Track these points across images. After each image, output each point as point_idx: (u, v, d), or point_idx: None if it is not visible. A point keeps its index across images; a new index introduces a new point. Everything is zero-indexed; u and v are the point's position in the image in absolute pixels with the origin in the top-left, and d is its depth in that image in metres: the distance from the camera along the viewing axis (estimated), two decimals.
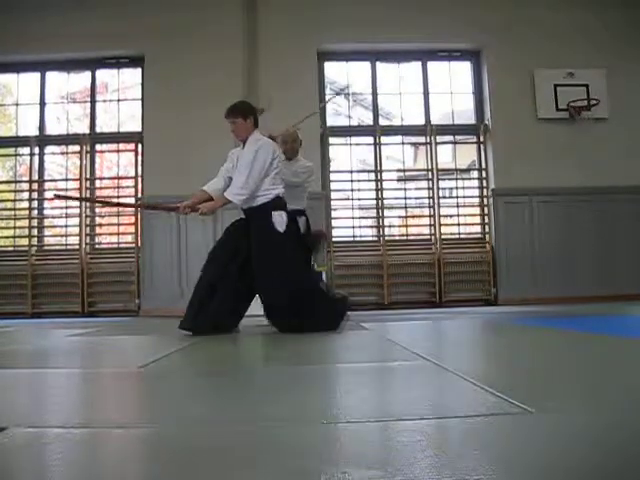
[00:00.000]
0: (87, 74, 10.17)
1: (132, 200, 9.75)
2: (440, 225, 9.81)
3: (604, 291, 9.13)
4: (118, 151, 10.30)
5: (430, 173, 9.96)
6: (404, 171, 10.62)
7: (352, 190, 10.02)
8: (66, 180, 10.15)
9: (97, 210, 10.08)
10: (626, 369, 2.51)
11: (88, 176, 9.83)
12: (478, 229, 10.16)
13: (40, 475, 1.22)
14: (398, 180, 10.44)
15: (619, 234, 9.52)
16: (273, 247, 4.89)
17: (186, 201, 5.18)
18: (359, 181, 10.11)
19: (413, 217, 10.52)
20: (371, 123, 10.28)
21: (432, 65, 10.28)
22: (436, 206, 9.83)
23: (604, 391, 1.99)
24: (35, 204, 9.86)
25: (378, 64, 10.26)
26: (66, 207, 9.91)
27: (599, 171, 9.43)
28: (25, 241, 9.71)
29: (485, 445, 1.37)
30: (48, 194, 10.08)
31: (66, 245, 9.91)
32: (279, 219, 4.95)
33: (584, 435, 1.43)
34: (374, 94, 10.23)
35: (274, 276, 4.79)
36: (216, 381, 2.57)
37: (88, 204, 9.78)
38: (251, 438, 1.46)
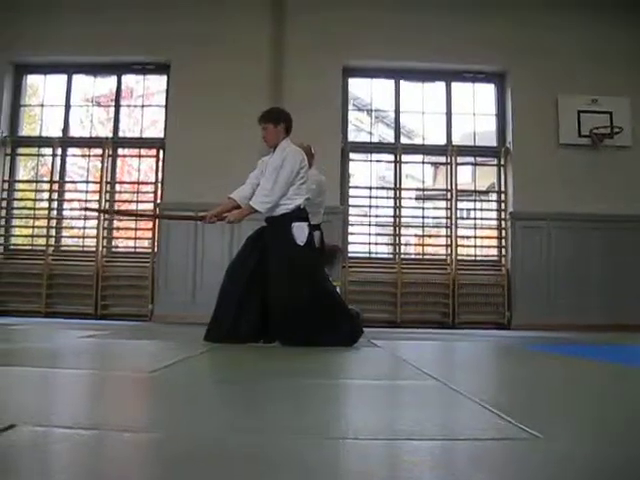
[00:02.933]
0: (113, 78, 10.27)
1: (151, 206, 9.82)
2: (457, 246, 9.79)
3: (619, 320, 9.04)
4: (139, 156, 10.37)
5: (449, 193, 9.95)
6: (423, 190, 10.63)
7: (370, 206, 10.02)
8: (87, 183, 10.23)
9: None
10: (637, 399, 2.48)
11: (109, 180, 9.89)
12: (494, 252, 10.12)
13: (45, 474, 1.22)
14: (416, 199, 10.45)
15: (637, 264, 9.44)
16: (292, 261, 4.82)
17: (212, 210, 5.17)
18: (377, 198, 10.12)
19: (430, 236, 10.50)
20: (392, 141, 10.30)
21: (456, 86, 10.29)
22: (453, 227, 9.81)
23: (615, 421, 1.97)
24: (55, 205, 9.93)
25: (402, 82, 10.27)
26: (85, 209, 9.96)
27: (619, 199, 9.38)
28: (43, 241, 9.79)
29: (493, 469, 1.36)
30: (68, 196, 10.18)
31: (83, 247, 9.98)
32: (299, 231, 4.88)
33: (592, 464, 1.42)
34: (397, 112, 10.23)
35: (292, 290, 4.73)
36: (226, 390, 2.57)
37: (107, 207, 9.83)
38: (258, 449, 1.46)
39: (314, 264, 5.01)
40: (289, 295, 4.73)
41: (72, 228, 10.45)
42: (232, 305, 4.83)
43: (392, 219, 9.99)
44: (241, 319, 4.78)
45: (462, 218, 10.23)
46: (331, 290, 5.09)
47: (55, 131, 10.16)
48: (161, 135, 9.95)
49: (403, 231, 10.04)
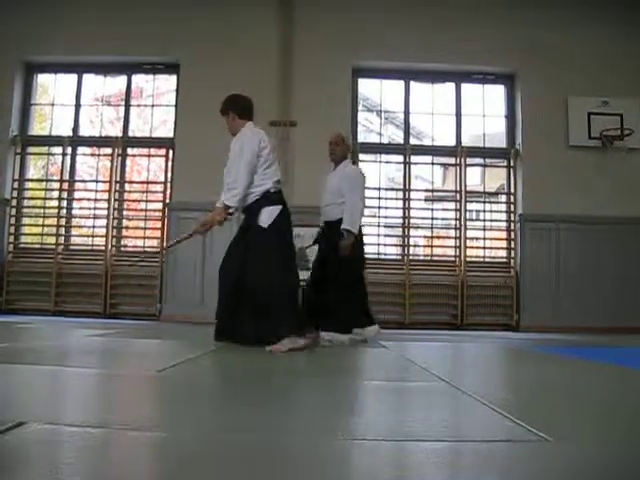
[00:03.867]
0: (123, 78, 10.29)
1: (160, 205, 9.84)
2: (465, 247, 9.76)
3: (628, 323, 9.01)
4: (149, 156, 10.39)
5: (458, 195, 9.92)
6: (432, 191, 10.59)
7: (379, 207, 9.99)
8: (96, 182, 10.25)
9: (124, 213, 10.16)
10: None
11: (118, 179, 9.92)
12: (503, 253, 10.09)
13: (54, 471, 1.23)
14: (425, 200, 10.42)
15: None
16: (256, 246, 4.66)
17: (200, 221, 5.13)
18: (386, 199, 10.09)
19: (439, 238, 10.47)
20: (402, 142, 10.28)
21: (466, 87, 10.27)
22: (462, 228, 9.78)
23: (623, 423, 1.96)
24: (64, 204, 9.96)
25: (412, 83, 10.25)
26: (94, 208, 10.00)
27: (630, 201, 9.34)
28: (52, 240, 9.81)
29: (501, 471, 1.36)
30: (78, 195, 10.21)
31: (92, 246, 9.99)
32: (265, 215, 4.69)
33: (600, 467, 1.41)
34: (406, 113, 10.22)
35: (254, 277, 4.59)
36: (233, 389, 2.57)
37: (116, 206, 9.85)
38: (265, 448, 1.46)
39: (271, 249, 4.65)
40: (254, 284, 4.59)
41: (81, 227, 10.47)
42: (223, 303, 4.79)
43: (401, 220, 9.96)
44: (235, 317, 4.67)
45: (471, 219, 10.20)
46: (278, 281, 4.60)
47: (65, 130, 10.18)
48: (170, 135, 9.96)
49: (412, 232, 10.00)
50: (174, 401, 2.25)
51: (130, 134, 10.20)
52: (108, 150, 10.03)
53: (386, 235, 10.17)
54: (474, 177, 10.53)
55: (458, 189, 9.93)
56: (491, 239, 10.20)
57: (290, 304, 4.59)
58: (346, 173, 6.05)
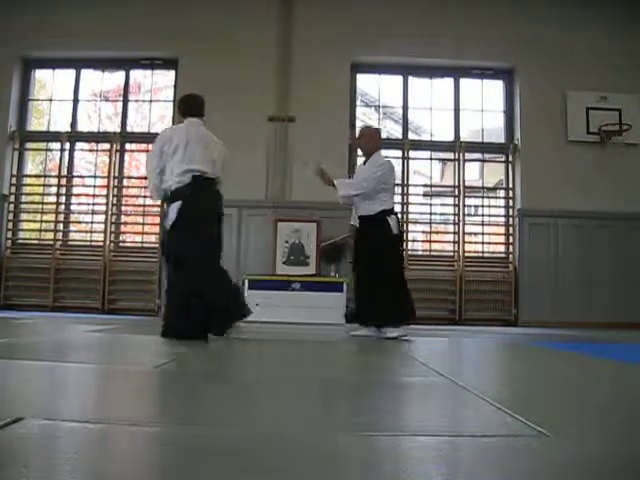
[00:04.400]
0: (121, 73, 10.27)
1: (157, 201, 9.83)
2: (464, 242, 9.77)
3: (626, 318, 9.03)
4: (147, 151, 10.36)
5: (457, 190, 9.92)
6: (431, 186, 10.59)
7: None
8: (94, 177, 10.24)
9: (123, 208, 10.15)
10: None
11: (116, 174, 9.91)
12: (502, 249, 10.09)
13: (52, 466, 1.22)
14: (424, 195, 10.41)
15: None
16: (162, 246, 4.82)
17: None
18: None
19: (437, 233, 10.47)
20: (400, 137, 10.27)
21: (464, 82, 10.26)
22: (461, 223, 9.79)
23: (621, 419, 1.96)
24: (63, 199, 9.95)
25: (410, 78, 10.25)
26: (92, 204, 10.00)
27: (628, 197, 9.34)
28: (50, 235, 9.82)
29: (500, 466, 1.36)
30: (76, 190, 10.21)
31: (90, 241, 10.00)
32: (169, 214, 4.68)
33: (599, 461, 1.41)
34: (405, 108, 10.21)
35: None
36: (231, 385, 2.57)
37: (114, 202, 9.84)
38: (264, 443, 1.46)
39: (176, 252, 4.61)
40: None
41: (80, 223, 10.47)
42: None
43: (399, 215, 9.95)
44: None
45: (470, 215, 10.20)
46: (187, 279, 4.55)
47: (63, 126, 10.17)
48: None
49: (410, 227, 10.02)
50: (170, 396, 2.24)
51: (128, 129, 10.20)
52: (106, 146, 10.03)
53: None
54: (472, 172, 10.53)
55: (456, 184, 9.94)
56: (490, 234, 10.20)
57: (183, 307, 4.47)
58: (376, 163, 6.10)
